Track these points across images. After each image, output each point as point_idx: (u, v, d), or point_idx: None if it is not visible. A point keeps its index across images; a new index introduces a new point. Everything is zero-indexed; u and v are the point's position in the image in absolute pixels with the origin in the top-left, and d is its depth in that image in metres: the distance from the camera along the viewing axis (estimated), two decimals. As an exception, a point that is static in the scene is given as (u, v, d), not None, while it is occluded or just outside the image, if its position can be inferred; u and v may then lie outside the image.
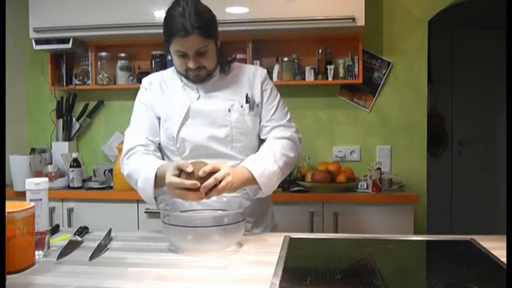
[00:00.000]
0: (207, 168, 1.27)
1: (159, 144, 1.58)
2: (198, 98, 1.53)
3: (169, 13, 1.43)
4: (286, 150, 1.51)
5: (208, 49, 1.45)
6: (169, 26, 1.41)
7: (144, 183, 1.42)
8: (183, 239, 1.25)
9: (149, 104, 1.56)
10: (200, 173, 1.26)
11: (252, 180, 1.41)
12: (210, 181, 1.26)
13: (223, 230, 1.25)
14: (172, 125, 1.52)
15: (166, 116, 1.54)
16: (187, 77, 1.52)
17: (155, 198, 1.43)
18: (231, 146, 1.52)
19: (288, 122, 1.59)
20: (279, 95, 1.62)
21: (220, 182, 1.28)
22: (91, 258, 1.21)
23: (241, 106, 1.53)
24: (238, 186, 1.38)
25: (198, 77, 1.50)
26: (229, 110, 1.52)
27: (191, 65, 1.45)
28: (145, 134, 1.54)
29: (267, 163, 1.44)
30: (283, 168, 1.48)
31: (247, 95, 1.54)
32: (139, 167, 1.45)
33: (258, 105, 1.56)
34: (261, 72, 1.61)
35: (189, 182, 1.25)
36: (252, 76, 1.58)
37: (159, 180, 1.39)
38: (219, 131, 1.51)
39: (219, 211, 1.36)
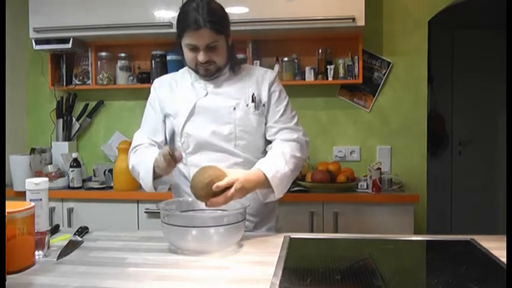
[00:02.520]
0: (222, 184, 1.30)
1: (166, 142, 1.64)
2: (206, 94, 1.56)
3: (183, 9, 1.49)
4: (295, 152, 1.52)
5: (218, 44, 1.48)
6: (183, 20, 1.47)
7: (145, 174, 1.50)
8: (183, 239, 1.25)
9: (156, 104, 1.63)
10: (214, 187, 1.30)
11: (265, 182, 1.42)
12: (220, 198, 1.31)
13: (223, 230, 1.25)
14: (179, 121, 1.56)
15: (174, 112, 1.58)
16: (197, 71, 1.55)
17: (155, 188, 1.52)
18: (234, 143, 1.54)
19: (296, 125, 1.60)
20: (287, 98, 1.63)
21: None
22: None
23: (247, 105, 1.55)
24: (251, 188, 1.39)
25: (207, 71, 1.53)
26: (234, 108, 1.54)
27: (201, 58, 1.48)
28: (148, 135, 1.63)
29: (279, 165, 1.45)
30: (293, 171, 1.49)
31: (253, 94, 1.56)
32: (141, 159, 1.55)
33: (264, 105, 1.58)
34: (271, 74, 1.63)
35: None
36: (261, 77, 1.61)
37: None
38: (222, 128, 1.54)
39: (219, 211, 1.36)
